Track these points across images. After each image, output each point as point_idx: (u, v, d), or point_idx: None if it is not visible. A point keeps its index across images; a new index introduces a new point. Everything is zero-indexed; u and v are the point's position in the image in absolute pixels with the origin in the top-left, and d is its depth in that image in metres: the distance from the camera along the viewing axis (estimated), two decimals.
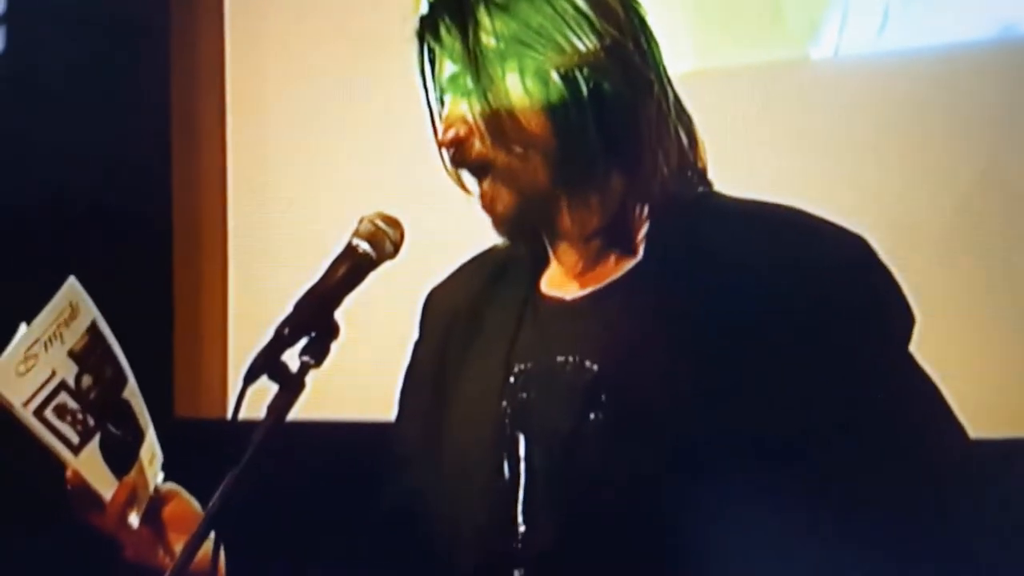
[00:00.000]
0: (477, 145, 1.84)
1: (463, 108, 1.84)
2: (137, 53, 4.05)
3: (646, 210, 1.86)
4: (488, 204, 1.86)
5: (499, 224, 1.87)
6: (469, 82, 1.83)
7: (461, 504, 1.86)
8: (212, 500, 1.70)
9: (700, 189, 1.89)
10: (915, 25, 3.12)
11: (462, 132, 1.84)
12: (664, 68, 1.88)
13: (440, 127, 1.88)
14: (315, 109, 3.93)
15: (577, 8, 1.83)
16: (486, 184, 1.86)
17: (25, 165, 3.93)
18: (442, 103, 1.89)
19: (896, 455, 1.73)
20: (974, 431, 1.82)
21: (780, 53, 3.25)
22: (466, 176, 1.89)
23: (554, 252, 1.92)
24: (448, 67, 1.86)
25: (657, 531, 1.74)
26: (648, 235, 1.86)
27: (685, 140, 1.88)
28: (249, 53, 4.06)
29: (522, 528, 1.82)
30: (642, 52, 1.86)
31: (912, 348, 1.80)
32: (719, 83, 3.19)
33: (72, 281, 1.89)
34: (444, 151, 1.88)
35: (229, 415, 1.74)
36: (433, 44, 1.87)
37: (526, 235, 1.91)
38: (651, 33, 1.88)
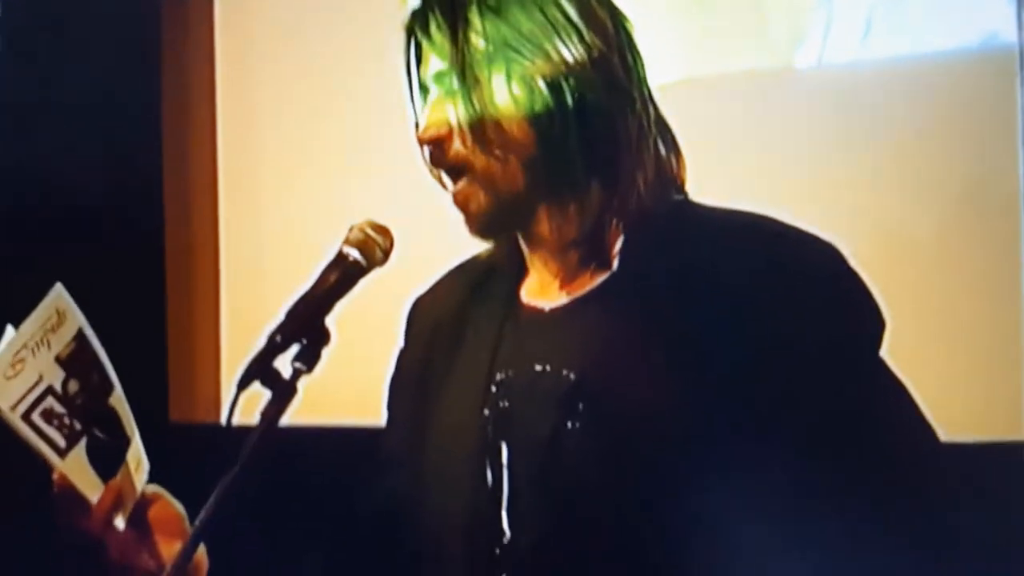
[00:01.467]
0: (457, 146, 1.84)
1: (446, 108, 1.85)
2: (128, 65, 4.06)
3: (621, 223, 1.86)
4: (462, 202, 1.87)
5: (472, 223, 1.88)
6: (454, 82, 1.84)
7: (446, 510, 1.88)
8: (207, 503, 1.71)
9: (676, 199, 1.89)
10: (898, 34, 3.13)
11: (443, 132, 1.85)
12: (647, 84, 1.89)
13: (421, 124, 1.88)
14: (305, 118, 3.94)
15: (568, 18, 1.84)
16: (462, 183, 1.86)
17: (17, 174, 3.95)
18: (425, 100, 1.89)
19: (867, 458, 1.75)
20: (946, 435, 1.84)
21: (764, 62, 3.26)
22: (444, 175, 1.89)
23: (533, 261, 1.93)
24: (434, 64, 1.86)
25: (637, 535, 1.76)
26: (623, 246, 1.86)
27: (664, 154, 1.88)
28: (239, 64, 4.07)
29: (507, 533, 1.83)
30: (627, 67, 1.86)
31: (887, 352, 1.81)
32: (703, 92, 3.20)
33: (59, 288, 1.89)
34: (424, 148, 1.89)
35: (223, 420, 1.75)
36: (421, 39, 1.87)
37: (499, 236, 1.92)
38: (637, 49, 1.89)
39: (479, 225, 1.88)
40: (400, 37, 1.91)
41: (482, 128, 1.82)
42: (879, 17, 3.15)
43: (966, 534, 1.78)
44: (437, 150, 1.87)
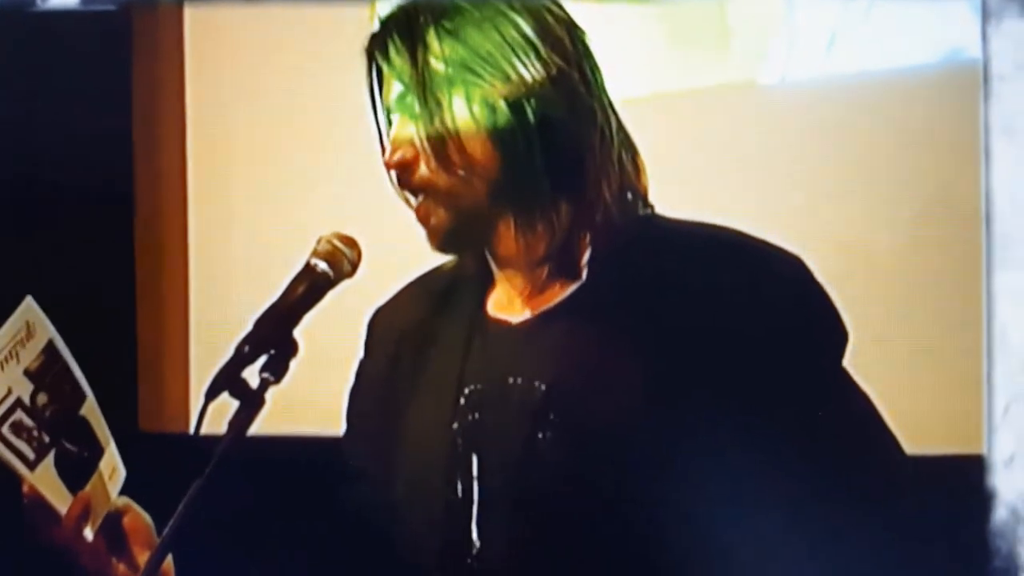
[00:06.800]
0: (423, 168, 1.85)
1: (410, 130, 1.85)
2: (99, 85, 4.06)
3: (588, 236, 1.87)
4: (423, 217, 1.88)
5: (432, 238, 1.89)
6: (416, 105, 1.84)
7: (416, 522, 1.89)
8: (176, 512, 1.73)
9: (642, 212, 1.90)
10: (862, 50, 3.14)
11: (408, 155, 1.85)
12: (608, 95, 1.90)
13: (387, 147, 1.88)
14: (274, 129, 3.95)
15: (525, 37, 1.84)
16: (423, 198, 1.87)
17: None
18: (390, 123, 1.89)
19: (832, 469, 1.77)
20: (910, 447, 1.85)
21: (727, 78, 3.27)
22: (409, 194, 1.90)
23: (499, 277, 1.93)
24: (396, 88, 1.87)
25: (607, 544, 1.77)
26: (591, 258, 1.87)
27: (628, 166, 1.89)
28: (209, 79, 4.08)
29: (477, 545, 1.84)
30: (586, 80, 1.87)
31: (850, 365, 1.83)
32: (667, 107, 3.20)
33: (28, 301, 1.91)
34: (391, 172, 1.89)
35: (191, 430, 1.76)
36: (382, 63, 1.87)
37: (460, 251, 1.93)
38: (595, 61, 1.89)
39: (440, 240, 1.89)
40: (362, 57, 1.91)
41: (445, 150, 1.83)
42: (843, 33, 3.16)
43: (927, 544, 1.80)
44: (404, 173, 1.87)
